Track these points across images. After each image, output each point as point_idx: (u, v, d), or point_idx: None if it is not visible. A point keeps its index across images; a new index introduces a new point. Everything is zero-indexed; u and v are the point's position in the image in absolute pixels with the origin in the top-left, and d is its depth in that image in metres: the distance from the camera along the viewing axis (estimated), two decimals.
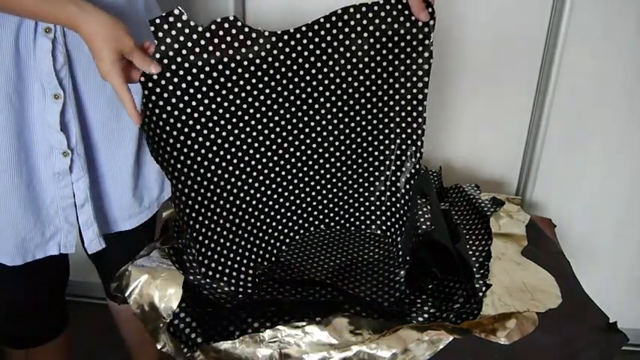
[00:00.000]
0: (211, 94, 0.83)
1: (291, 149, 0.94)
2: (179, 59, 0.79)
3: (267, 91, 0.87)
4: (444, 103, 1.26)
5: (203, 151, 0.85)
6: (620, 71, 1.19)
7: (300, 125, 0.93)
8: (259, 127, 0.89)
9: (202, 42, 0.80)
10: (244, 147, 0.89)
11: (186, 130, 0.82)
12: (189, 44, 0.79)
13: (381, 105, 0.95)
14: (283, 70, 0.87)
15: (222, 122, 0.85)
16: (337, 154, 0.97)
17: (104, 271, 0.97)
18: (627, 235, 1.37)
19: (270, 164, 0.92)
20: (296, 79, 0.88)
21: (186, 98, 0.81)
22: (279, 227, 0.97)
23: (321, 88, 0.91)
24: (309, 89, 0.90)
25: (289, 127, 0.92)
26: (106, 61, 0.69)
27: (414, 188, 0.95)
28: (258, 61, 0.85)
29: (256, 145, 0.90)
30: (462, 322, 0.75)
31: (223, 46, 0.81)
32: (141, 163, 0.89)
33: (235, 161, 0.88)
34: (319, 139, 0.95)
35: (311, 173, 0.97)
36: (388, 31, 0.89)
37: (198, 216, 0.85)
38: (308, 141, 0.95)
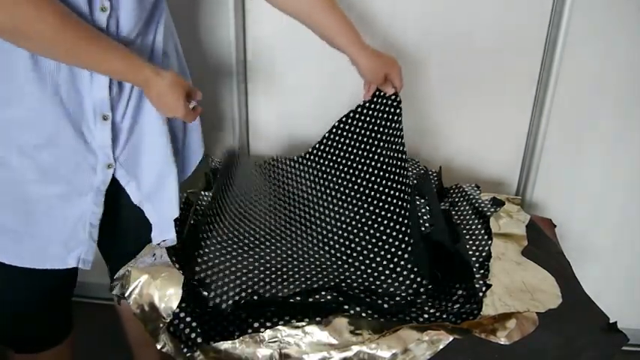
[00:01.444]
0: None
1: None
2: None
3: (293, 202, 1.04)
4: (443, 104, 1.26)
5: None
6: (620, 72, 1.19)
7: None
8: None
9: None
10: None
11: None
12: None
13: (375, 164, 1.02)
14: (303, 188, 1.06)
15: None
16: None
17: (113, 267, 0.97)
18: (627, 235, 1.37)
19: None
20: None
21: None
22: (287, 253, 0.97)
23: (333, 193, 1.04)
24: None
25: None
26: (180, 108, 0.77)
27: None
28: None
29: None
30: (462, 322, 0.75)
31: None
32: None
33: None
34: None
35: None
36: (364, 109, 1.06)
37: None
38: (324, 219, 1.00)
